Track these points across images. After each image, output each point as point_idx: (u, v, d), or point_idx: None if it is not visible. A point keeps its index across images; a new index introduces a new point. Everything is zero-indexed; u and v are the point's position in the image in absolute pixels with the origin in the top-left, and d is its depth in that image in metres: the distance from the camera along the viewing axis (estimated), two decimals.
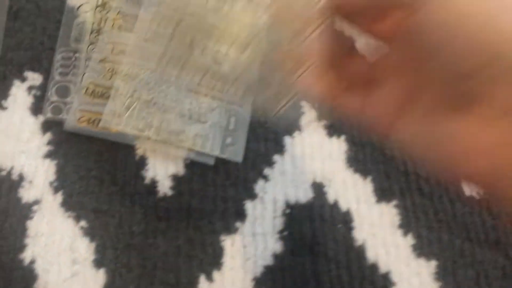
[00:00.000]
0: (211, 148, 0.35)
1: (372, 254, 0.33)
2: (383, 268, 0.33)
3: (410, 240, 0.34)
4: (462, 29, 0.16)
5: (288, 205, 0.34)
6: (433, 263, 0.33)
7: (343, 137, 0.36)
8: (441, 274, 0.33)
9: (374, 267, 0.33)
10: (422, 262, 0.33)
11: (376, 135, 0.21)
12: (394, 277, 0.33)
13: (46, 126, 0.35)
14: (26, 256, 0.32)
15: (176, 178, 0.34)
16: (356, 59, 0.22)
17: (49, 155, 0.34)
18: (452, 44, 0.16)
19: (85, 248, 0.32)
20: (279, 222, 0.34)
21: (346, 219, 0.34)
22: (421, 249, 0.33)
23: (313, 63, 0.22)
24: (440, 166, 0.18)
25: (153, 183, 0.34)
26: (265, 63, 0.25)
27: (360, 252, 0.33)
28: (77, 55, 0.37)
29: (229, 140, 0.36)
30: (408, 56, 0.19)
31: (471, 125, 0.17)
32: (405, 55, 0.19)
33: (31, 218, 0.33)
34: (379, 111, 0.20)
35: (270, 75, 0.25)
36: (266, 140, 0.36)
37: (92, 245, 0.32)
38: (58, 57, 0.37)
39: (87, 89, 0.36)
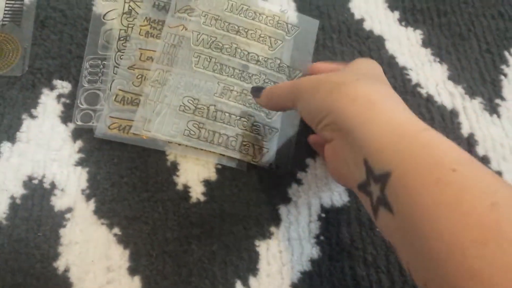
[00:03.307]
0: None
1: None
2: None
3: None
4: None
5: (323, 209, 0.34)
6: None
7: None
8: None
9: None
10: None
11: None
12: None
13: (77, 134, 0.35)
14: (60, 264, 0.31)
15: (208, 184, 0.34)
16: None
17: (80, 162, 0.34)
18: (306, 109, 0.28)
19: (119, 256, 0.32)
20: (315, 227, 0.33)
21: None
22: None
23: None
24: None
25: (186, 189, 0.34)
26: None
27: None
28: (105, 62, 0.37)
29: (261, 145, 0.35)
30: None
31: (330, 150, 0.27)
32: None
33: (64, 226, 0.32)
34: None
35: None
36: (297, 143, 0.36)
37: (126, 252, 0.32)
38: (86, 64, 0.37)
39: (116, 96, 0.36)
